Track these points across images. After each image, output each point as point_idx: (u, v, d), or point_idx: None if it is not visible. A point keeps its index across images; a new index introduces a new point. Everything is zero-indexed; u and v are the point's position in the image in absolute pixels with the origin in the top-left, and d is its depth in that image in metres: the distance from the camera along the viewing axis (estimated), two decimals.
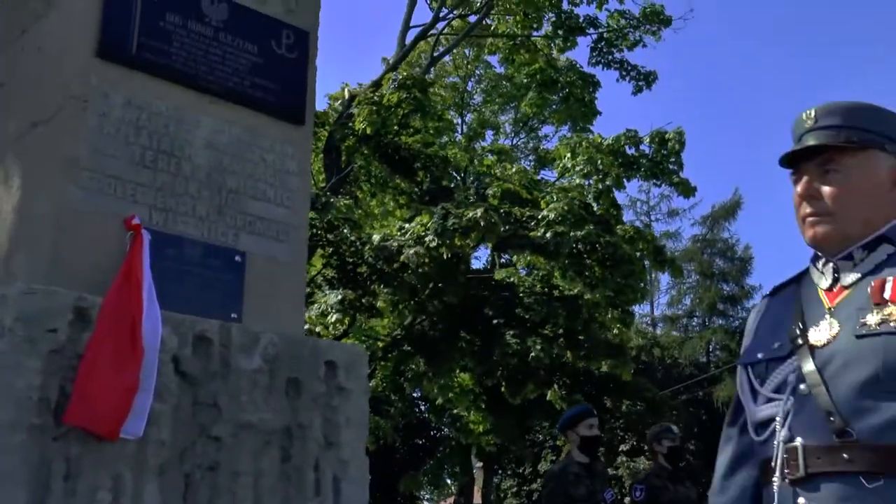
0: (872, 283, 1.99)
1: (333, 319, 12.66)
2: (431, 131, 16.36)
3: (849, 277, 2.07)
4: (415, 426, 28.19)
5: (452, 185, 17.30)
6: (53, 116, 4.45)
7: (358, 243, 13.31)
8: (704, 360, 38.94)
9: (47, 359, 3.83)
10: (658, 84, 19.18)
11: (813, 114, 2.11)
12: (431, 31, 17.77)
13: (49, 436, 3.79)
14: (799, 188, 2.13)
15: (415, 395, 23.30)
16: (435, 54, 18.28)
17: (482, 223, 12.32)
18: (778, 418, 2.03)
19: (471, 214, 12.51)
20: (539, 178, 20.27)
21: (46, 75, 4.62)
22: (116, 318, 3.98)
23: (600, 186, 15.75)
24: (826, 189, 2.09)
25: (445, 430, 28.81)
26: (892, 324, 1.88)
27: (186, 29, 4.77)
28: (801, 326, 2.06)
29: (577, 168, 15.58)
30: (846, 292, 2.06)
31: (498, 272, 18.21)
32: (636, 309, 19.10)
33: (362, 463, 4.82)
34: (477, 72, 23.26)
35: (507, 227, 13.35)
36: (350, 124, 14.19)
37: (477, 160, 19.56)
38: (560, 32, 18.44)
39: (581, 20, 18.67)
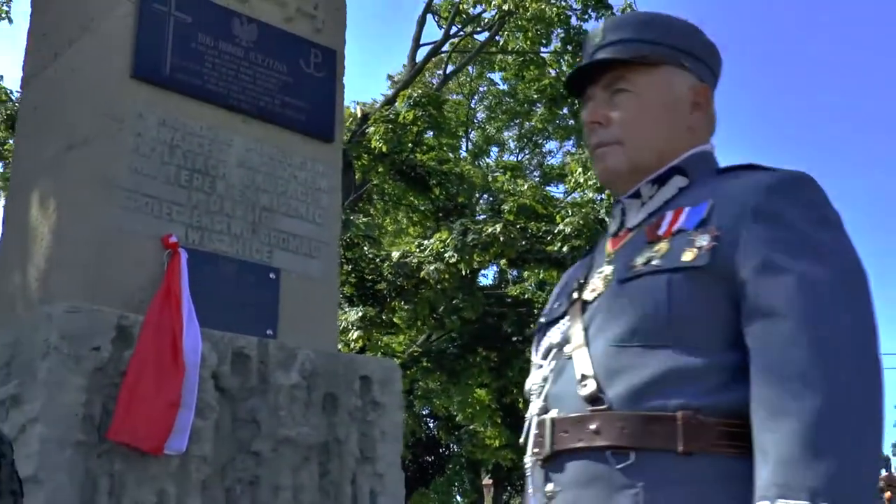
0: (653, 221, 1.62)
1: (355, 336, 12.72)
2: (445, 148, 16.48)
3: (635, 218, 1.67)
4: (423, 443, 28.18)
5: (466, 202, 17.43)
6: (90, 138, 4.51)
7: (377, 260, 13.41)
8: None
9: (91, 376, 3.88)
10: None
11: (601, 29, 1.76)
12: (442, 49, 17.92)
13: (94, 452, 3.85)
14: (585, 114, 1.73)
15: (423, 412, 23.26)
16: (447, 72, 18.41)
17: (501, 238, 12.39)
18: (534, 386, 1.68)
19: (490, 230, 12.60)
20: (540, 190, 20.29)
21: (81, 97, 4.69)
22: (158, 335, 4.04)
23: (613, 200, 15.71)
24: (615, 113, 1.69)
25: (455, 446, 28.81)
26: (655, 261, 1.51)
27: (218, 50, 4.84)
28: (581, 281, 1.69)
29: (590, 183, 15.65)
30: (629, 235, 1.66)
31: (511, 288, 18.29)
32: None
33: (398, 476, 4.85)
34: (480, 89, 23.42)
35: (523, 243, 13.41)
36: (364, 142, 14.30)
37: (490, 176, 19.70)
38: (569, 48, 18.55)
39: None
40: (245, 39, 4.96)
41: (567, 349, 1.61)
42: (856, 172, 70.94)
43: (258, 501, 4.28)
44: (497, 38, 18.47)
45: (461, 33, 18.14)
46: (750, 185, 1.53)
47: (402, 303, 13.84)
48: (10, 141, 14.78)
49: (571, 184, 17.11)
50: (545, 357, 1.69)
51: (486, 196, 18.76)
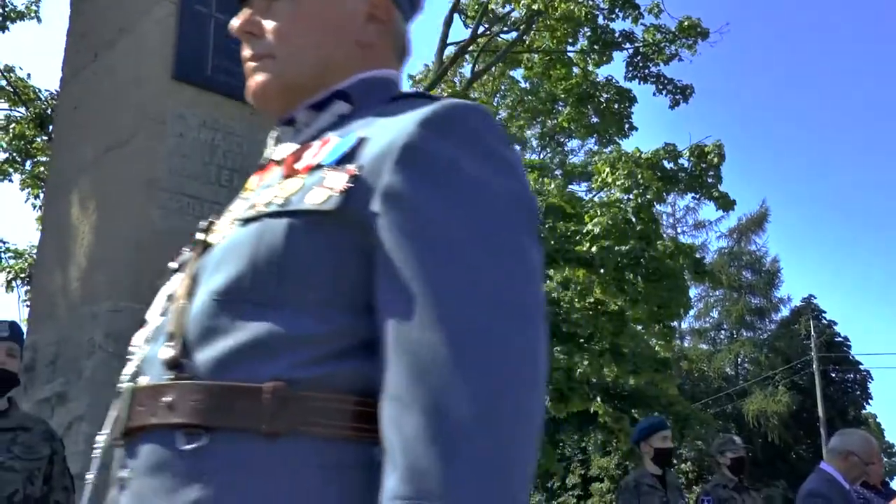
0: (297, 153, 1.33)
1: None
2: None
3: (284, 149, 1.38)
4: None
5: None
6: (131, 138, 4.55)
7: None
8: (733, 373, 38.76)
9: None
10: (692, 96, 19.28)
11: None
12: (470, 48, 17.96)
13: None
14: (235, 22, 1.44)
15: None
16: (474, 70, 18.42)
17: None
18: (131, 348, 1.35)
19: None
20: (567, 191, 20.31)
21: (122, 98, 4.73)
22: None
23: (640, 201, 15.77)
24: (269, 22, 1.41)
25: None
26: (277, 202, 1.21)
27: None
28: (212, 221, 1.41)
29: (618, 182, 15.63)
30: (272, 168, 1.38)
31: None
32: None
33: None
34: (502, 87, 23.39)
35: (552, 242, 13.41)
36: None
37: None
38: (596, 47, 18.51)
39: (617, 35, 18.76)
40: None
41: (172, 305, 1.29)
42: None
43: None
44: (524, 37, 18.45)
45: (488, 33, 18.13)
46: (408, 117, 1.19)
47: None
48: (38, 139, 14.92)
49: (598, 183, 17.05)
50: (160, 313, 1.34)
51: None
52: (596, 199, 17.61)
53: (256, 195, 1.28)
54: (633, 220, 15.64)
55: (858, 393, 36.01)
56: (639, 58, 18.90)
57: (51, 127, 14.04)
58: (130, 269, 4.34)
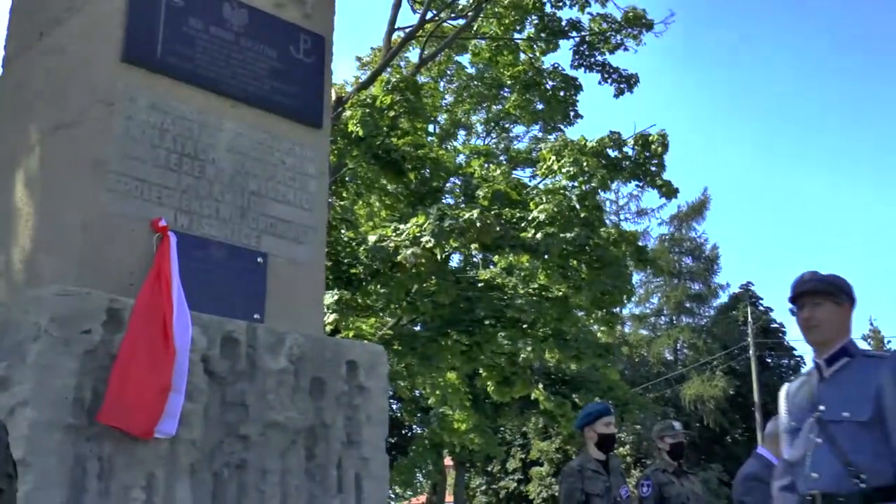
0: None
1: (330, 319, 12.74)
2: (421, 133, 16.50)
3: None
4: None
5: (441, 186, 17.45)
6: (79, 120, 4.49)
7: (353, 244, 13.42)
8: (672, 359, 39.37)
9: (82, 359, 3.88)
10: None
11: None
12: (418, 34, 17.87)
13: (83, 435, 3.85)
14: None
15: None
16: (422, 56, 18.36)
17: (478, 224, 12.44)
18: None
19: (467, 216, 12.65)
20: (513, 177, 20.36)
21: (70, 79, 4.66)
22: (148, 319, 4.04)
23: (585, 188, 15.90)
24: None
25: (418, 428, 28.93)
26: None
27: (209, 34, 4.83)
28: None
29: (564, 170, 15.72)
30: None
31: (482, 273, 18.35)
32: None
33: (382, 460, 4.90)
34: (448, 72, 23.39)
35: (498, 229, 13.48)
36: (339, 126, 14.26)
37: (464, 161, 19.71)
38: (543, 35, 18.60)
39: (563, 23, 18.84)
40: (236, 24, 4.95)
41: None
42: None
43: (245, 485, 4.30)
44: (472, 23, 18.46)
45: (436, 19, 18.10)
46: None
47: (378, 286, 13.89)
48: None
49: (543, 170, 17.15)
50: None
51: (453, 180, 18.78)
52: (541, 185, 17.71)
53: None
54: (578, 207, 15.78)
55: (793, 378, 36.76)
56: (585, 46, 19.03)
57: None
58: (77, 253, 4.29)
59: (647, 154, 17.07)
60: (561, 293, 15.78)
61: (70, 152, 4.49)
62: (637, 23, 18.72)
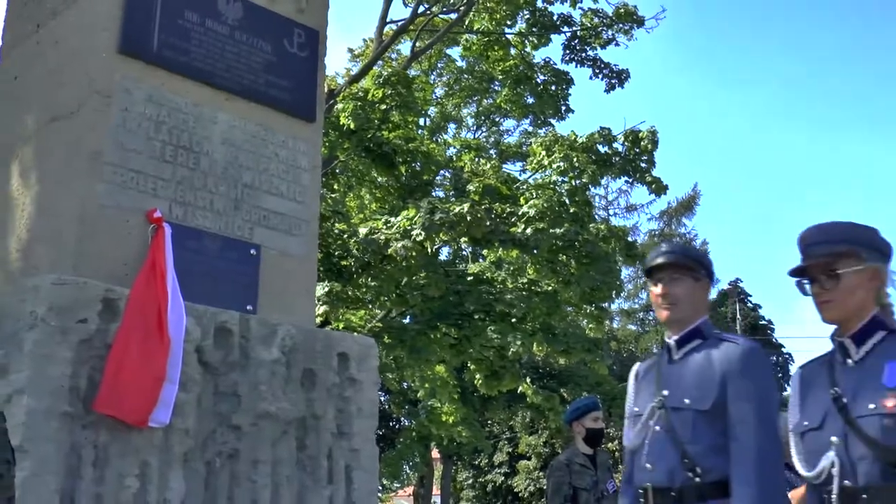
0: None
1: (321, 311, 12.80)
2: (411, 126, 16.56)
3: None
4: None
5: (432, 179, 17.51)
6: (75, 111, 4.53)
7: (344, 236, 13.48)
8: None
9: (78, 348, 3.93)
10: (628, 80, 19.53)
11: None
12: (410, 27, 17.90)
13: (79, 423, 3.89)
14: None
15: None
16: (413, 50, 18.40)
17: (469, 218, 12.51)
18: None
19: (458, 210, 12.71)
20: (503, 172, 20.42)
21: (66, 70, 4.69)
22: (143, 309, 4.09)
23: (575, 183, 15.97)
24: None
25: (406, 420, 29.01)
26: None
27: (204, 27, 4.87)
28: None
29: (554, 165, 15.80)
30: None
31: (471, 266, 18.42)
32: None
33: (372, 452, 4.96)
34: (438, 65, 23.42)
35: (488, 223, 13.54)
36: (331, 119, 14.30)
37: (454, 156, 19.78)
38: (534, 30, 18.65)
39: (555, 18, 18.90)
40: (231, 18, 4.99)
41: None
42: None
43: (237, 474, 4.36)
44: (463, 18, 18.49)
45: (428, 13, 18.13)
46: None
47: (369, 279, 13.95)
48: None
49: (533, 164, 17.21)
50: None
51: (443, 172, 18.84)
52: (531, 180, 17.77)
53: None
54: (567, 202, 15.85)
55: (781, 375, 37.03)
56: (576, 41, 19.08)
57: None
58: (72, 243, 4.34)
59: (637, 150, 17.14)
60: (550, 288, 15.86)
61: (66, 143, 4.53)
62: (628, 18, 18.78)
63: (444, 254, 20.00)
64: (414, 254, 12.71)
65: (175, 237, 4.46)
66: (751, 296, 38.88)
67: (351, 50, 23.19)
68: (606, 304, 18.09)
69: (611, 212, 39.76)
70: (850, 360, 2.77)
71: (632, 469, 3.30)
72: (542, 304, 15.24)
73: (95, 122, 4.45)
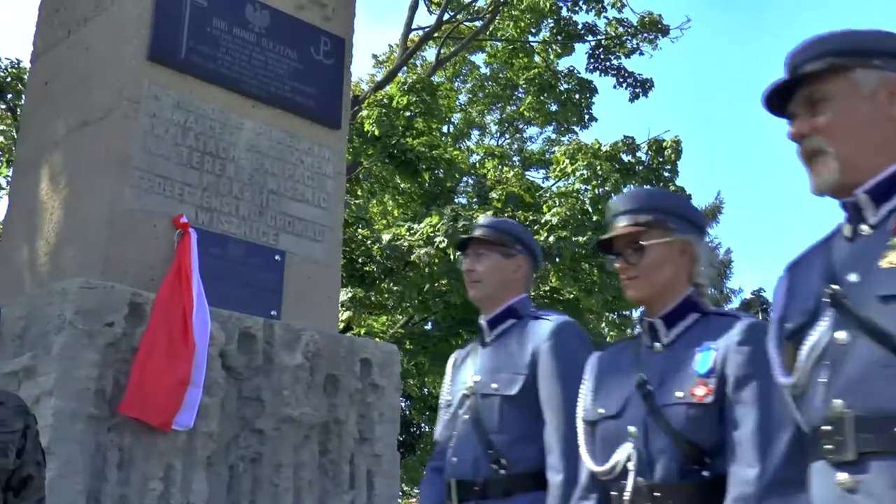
0: None
1: (344, 317, 12.81)
2: (435, 132, 16.60)
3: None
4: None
5: (455, 186, 17.52)
6: (105, 116, 4.59)
7: (368, 242, 13.51)
8: None
9: (104, 351, 3.98)
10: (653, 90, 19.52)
11: None
12: (435, 34, 17.98)
13: (105, 425, 3.94)
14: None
15: None
16: (438, 57, 18.48)
17: None
18: None
19: (481, 217, 12.63)
20: (526, 179, 20.42)
21: (96, 76, 4.76)
22: (169, 313, 4.14)
23: (598, 192, 15.96)
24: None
25: (426, 426, 29.02)
26: None
27: (232, 35, 4.92)
28: None
29: (577, 173, 15.79)
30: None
31: None
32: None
33: (394, 458, 4.98)
34: (462, 72, 23.44)
35: None
36: (355, 125, 14.37)
37: (478, 163, 19.80)
38: (559, 38, 18.66)
39: (579, 27, 18.90)
40: (258, 25, 5.04)
41: None
42: None
43: (260, 478, 4.39)
44: (488, 25, 18.54)
45: (453, 20, 18.19)
46: None
47: (391, 285, 13.95)
48: None
49: (557, 172, 17.21)
50: None
51: (466, 179, 18.86)
52: (554, 188, 17.76)
53: None
54: (591, 210, 15.83)
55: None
56: (600, 50, 19.07)
57: (9, 95, 13.84)
58: (100, 247, 4.39)
59: (661, 159, 17.10)
60: (572, 296, 15.82)
61: (95, 148, 4.59)
62: (653, 28, 18.76)
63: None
64: (436, 260, 12.70)
65: (201, 242, 4.51)
66: None
67: (375, 56, 23.30)
68: (628, 312, 18.03)
69: None
70: (657, 344, 2.38)
71: (439, 463, 3.03)
72: (565, 312, 15.18)
73: (124, 128, 4.51)
